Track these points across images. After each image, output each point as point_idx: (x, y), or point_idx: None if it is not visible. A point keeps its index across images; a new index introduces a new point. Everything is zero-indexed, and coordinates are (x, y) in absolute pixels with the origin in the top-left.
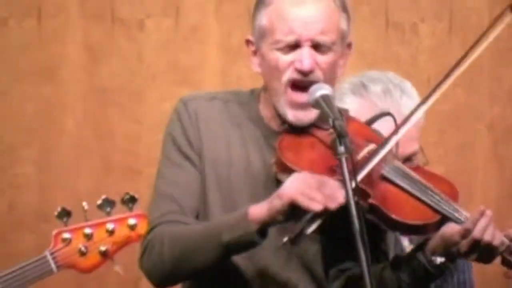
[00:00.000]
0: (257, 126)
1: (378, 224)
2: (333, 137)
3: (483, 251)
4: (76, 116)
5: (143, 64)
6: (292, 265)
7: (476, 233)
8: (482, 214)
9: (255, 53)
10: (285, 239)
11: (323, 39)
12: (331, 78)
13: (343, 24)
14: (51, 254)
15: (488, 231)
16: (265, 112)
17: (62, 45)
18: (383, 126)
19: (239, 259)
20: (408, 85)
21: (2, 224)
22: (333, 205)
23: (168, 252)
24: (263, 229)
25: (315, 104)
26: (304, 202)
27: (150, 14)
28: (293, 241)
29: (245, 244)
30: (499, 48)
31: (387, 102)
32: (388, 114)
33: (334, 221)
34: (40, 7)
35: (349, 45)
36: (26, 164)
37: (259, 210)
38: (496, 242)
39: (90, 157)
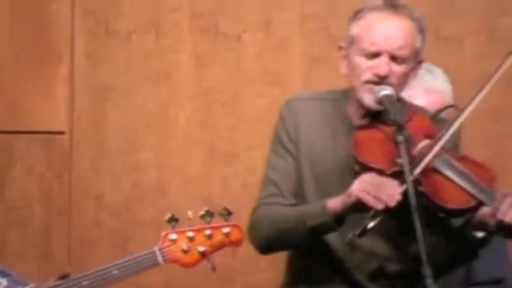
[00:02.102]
0: (343, 122)
1: (428, 207)
2: (394, 129)
3: (508, 230)
4: (186, 112)
5: (241, 70)
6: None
7: (499, 215)
8: (504, 198)
9: (345, 57)
10: (350, 235)
11: (399, 53)
12: (401, 84)
13: (418, 43)
14: (160, 250)
15: (509, 213)
16: (350, 108)
17: (175, 55)
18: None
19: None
20: (437, 70)
21: (128, 199)
22: (392, 203)
23: (266, 231)
24: (339, 218)
25: (380, 101)
26: (369, 200)
27: (246, 29)
28: (358, 236)
29: (324, 229)
30: None
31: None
32: (452, 106)
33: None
34: (158, 24)
35: (420, 62)
36: (146, 150)
37: (335, 205)
38: None
39: (198, 145)
